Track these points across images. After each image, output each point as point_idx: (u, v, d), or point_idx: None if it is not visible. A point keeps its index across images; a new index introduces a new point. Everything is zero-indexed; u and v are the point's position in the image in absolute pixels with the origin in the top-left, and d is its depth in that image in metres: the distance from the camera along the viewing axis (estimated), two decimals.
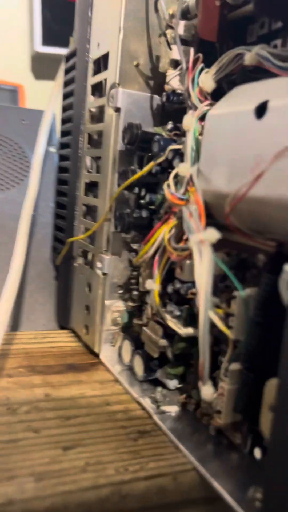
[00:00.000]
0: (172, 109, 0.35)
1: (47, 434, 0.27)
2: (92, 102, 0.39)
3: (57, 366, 0.36)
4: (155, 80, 0.35)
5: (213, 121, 0.26)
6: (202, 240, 0.22)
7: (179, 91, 0.32)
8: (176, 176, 0.28)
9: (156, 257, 0.29)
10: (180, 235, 0.28)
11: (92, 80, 0.39)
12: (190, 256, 0.26)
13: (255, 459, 0.25)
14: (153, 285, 0.28)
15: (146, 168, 0.31)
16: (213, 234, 0.22)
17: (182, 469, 0.25)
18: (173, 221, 0.28)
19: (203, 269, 0.21)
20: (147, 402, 0.31)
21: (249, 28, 0.29)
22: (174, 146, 0.29)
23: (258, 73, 0.27)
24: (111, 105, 0.35)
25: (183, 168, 0.27)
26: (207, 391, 0.21)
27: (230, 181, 0.24)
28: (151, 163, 0.30)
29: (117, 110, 0.35)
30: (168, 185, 0.28)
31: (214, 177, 0.25)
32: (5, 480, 0.22)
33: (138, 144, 0.32)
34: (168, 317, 0.29)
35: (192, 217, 0.23)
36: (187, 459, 0.25)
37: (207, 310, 0.21)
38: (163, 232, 0.28)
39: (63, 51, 0.47)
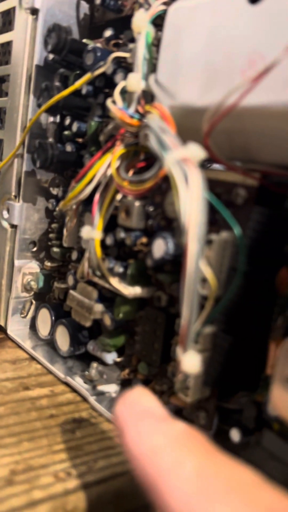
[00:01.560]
0: (103, 21, 0.28)
1: None
2: None
3: None
4: None
5: (180, 15, 0.20)
6: (186, 158, 0.16)
7: None
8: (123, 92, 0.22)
9: (96, 197, 0.22)
10: (130, 167, 0.22)
11: None
12: (150, 190, 0.20)
13: (223, 441, 0.20)
14: (93, 232, 0.22)
15: (80, 81, 0.24)
16: (198, 151, 0.16)
17: None
18: (120, 149, 0.22)
19: (192, 195, 0.15)
20: (78, 382, 0.24)
21: None
22: (119, 54, 0.23)
23: None
24: (25, 5, 0.27)
25: (134, 80, 0.21)
26: (191, 360, 0.16)
27: (206, 91, 0.19)
28: (87, 75, 0.23)
29: (34, 12, 0.27)
30: (114, 102, 0.21)
31: (182, 89, 0.20)
32: None
33: (65, 55, 0.25)
34: (110, 275, 0.23)
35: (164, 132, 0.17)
36: None
37: (198, 254, 0.15)
38: (106, 162, 0.22)
39: None
